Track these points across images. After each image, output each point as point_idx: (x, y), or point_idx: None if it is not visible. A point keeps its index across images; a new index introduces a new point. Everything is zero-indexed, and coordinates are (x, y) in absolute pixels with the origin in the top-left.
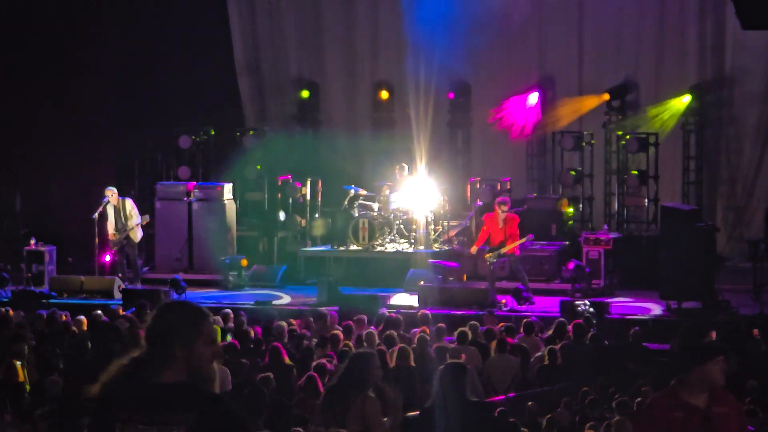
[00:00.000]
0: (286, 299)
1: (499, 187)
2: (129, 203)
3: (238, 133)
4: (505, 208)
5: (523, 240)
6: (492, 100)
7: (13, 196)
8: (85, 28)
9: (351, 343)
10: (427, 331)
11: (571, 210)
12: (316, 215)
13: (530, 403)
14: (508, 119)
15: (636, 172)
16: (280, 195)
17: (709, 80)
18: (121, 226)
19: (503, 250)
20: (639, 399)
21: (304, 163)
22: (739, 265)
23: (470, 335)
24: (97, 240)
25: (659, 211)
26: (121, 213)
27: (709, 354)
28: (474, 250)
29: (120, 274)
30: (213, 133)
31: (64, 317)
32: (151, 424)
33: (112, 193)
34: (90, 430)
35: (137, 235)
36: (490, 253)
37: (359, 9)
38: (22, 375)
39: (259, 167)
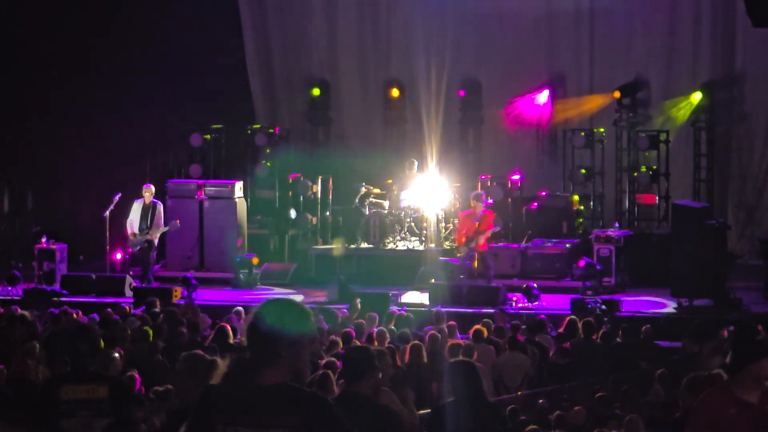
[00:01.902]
0: (297, 298)
1: (509, 185)
2: (160, 208)
3: (248, 131)
4: (478, 203)
5: (489, 233)
6: (503, 98)
7: (25, 194)
8: (96, 25)
9: (362, 341)
10: (445, 330)
11: (578, 207)
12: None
13: (541, 400)
14: (518, 117)
15: (650, 171)
16: (291, 193)
17: (720, 78)
18: (145, 228)
19: (473, 245)
20: (649, 397)
21: (315, 161)
22: (750, 263)
23: (485, 333)
24: (108, 238)
25: (670, 209)
26: (149, 215)
27: (763, 351)
28: (464, 250)
29: (130, 272)
30: (224, 131)
31: (75, 315)
32: (254, 426)
33: (148, 192)
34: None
35: (156, 239)
36: (463, 248)
37: (370, 7)
38: (33, 374)
39: (269, 164)
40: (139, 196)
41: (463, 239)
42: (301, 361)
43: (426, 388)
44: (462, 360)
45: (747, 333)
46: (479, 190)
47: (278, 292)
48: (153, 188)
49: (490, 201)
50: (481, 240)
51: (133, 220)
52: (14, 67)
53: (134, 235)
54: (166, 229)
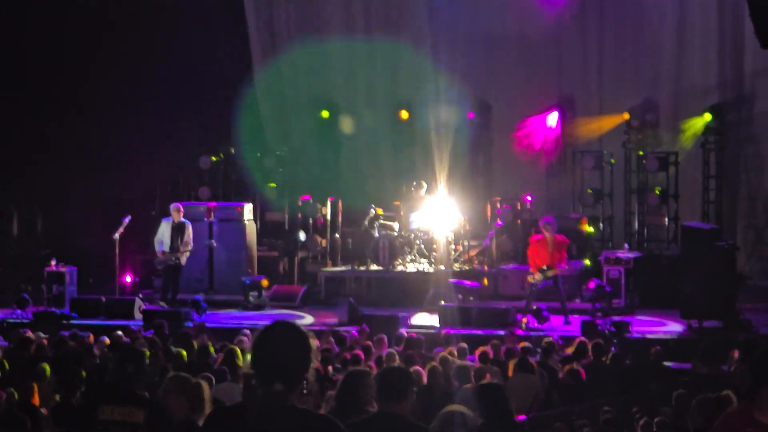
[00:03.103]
0: (307, 320)
1: (519, 207)
2: (189, 228)
3: (258, 153)
4: (550, 228)
5: (564, 269)
6: (512, 119)
7: (34, 217)
8: (106, 50)
9: (372, 364)
10: (455, 352)
11: (591, 229)
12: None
13: (558, 423)
14: (528, 140)
15: (657, 191)
16: (300, 215)
17: (729, 99)
18: (176, 247)
19: (549, 273)
20: (658, 419)
21: (324, 183)
22: (759, 284)
23: (492, 354)
24: (117, 260)
25: (680, 230)
26: (180, 234)
27: None
28: (538, 277)
29: (140, 295)
30: (233, 153)
31: (86, 338)
32: None
33: (176, 212)
34: None
35: (184, 258)
36: (537, 275)
37: (379, 29)
38: (37, 398)
39: (273, 185)
40: (167, 215)
41: (538, 268)
42: (310, 383)
43: (437, 409)
44: (491, 383)
45: (763, 354)
46: (549, 217)
47: (287, 314)
48: (181, 207)
49: (499, 223)
50: (558, 270)
51: (163, 239)
52: (22, 89)
53: (164, 253)
54: (191, 248)
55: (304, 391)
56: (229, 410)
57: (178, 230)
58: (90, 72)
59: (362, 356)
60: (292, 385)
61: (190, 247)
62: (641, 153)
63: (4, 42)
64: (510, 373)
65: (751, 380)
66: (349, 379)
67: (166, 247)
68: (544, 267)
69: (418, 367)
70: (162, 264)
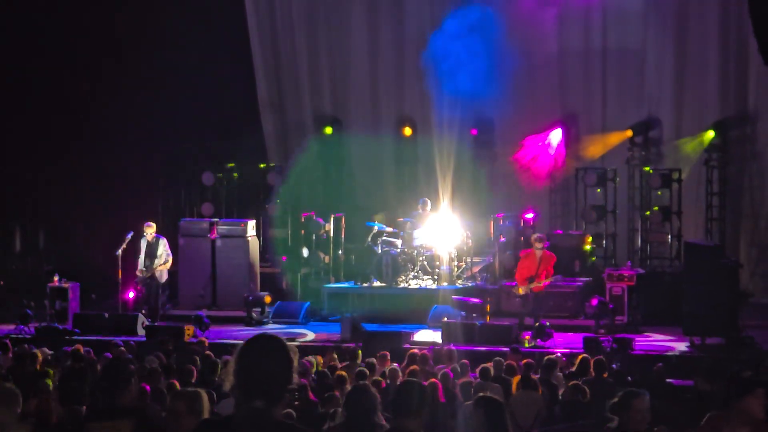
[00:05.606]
0: (309, 336)
1: (522, 224)
2: (162, 243)
3: (260, 169)
4: (540, 245)
5: (550, 280)
6: (515, 136)
7: (37, 233)
8: (109, 65)
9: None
10: (458, 369)
11: (589, 247)
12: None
13: None
14: (531, 156)
15: (658, 208)
16: (303, 231)
17: (732, 116)
18: (149, 264)
19: (531, 286)
20: None
21: (327, 199)
22: (762, 301)
23: (493, 371)
24: (120, 276)
25: (683, 247)
26: (153, 250)
27: (749, 388)
28: (522, 290)
29: (143, 310)
30: (236, 169)
31: (88, 354)
32: None
33: (150, 228)
34: None
35: (163, 275)
36: (522, 288)
37: (383, 46)
38: (47, 412)
39: (281, 202)
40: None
41: (524, 281)
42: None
43: (440, 425)
44: (489, 396)
45: (739, 370)
46: (541, 234)
47: (289, 331)
48: (153, 225)
49: (502, 239)
50: (542, 283)
51: (140, 258)
52: (27, 105)
53: (141, 271)
54: (162, 262)
55: (295, 403)
56: (216, 422)
57: (151, 247)
58: (93, 91)
59: (367, 371)
60: (273, 401)
61: (163, 262)
62: (648, 169)
63: (10, 61)
64: (514, 389)
65: (730, 395)
66: (355, 395)
67: (141, 264)
68: (530, 278)
69: (435, 380)
70: (141, 283)
